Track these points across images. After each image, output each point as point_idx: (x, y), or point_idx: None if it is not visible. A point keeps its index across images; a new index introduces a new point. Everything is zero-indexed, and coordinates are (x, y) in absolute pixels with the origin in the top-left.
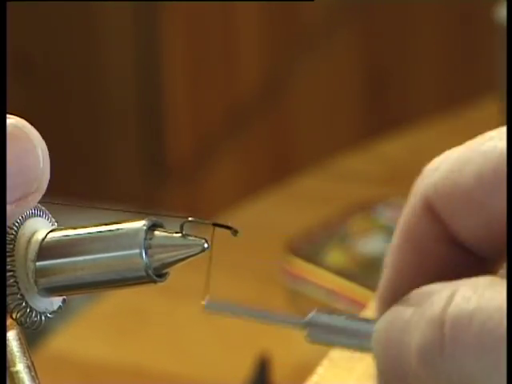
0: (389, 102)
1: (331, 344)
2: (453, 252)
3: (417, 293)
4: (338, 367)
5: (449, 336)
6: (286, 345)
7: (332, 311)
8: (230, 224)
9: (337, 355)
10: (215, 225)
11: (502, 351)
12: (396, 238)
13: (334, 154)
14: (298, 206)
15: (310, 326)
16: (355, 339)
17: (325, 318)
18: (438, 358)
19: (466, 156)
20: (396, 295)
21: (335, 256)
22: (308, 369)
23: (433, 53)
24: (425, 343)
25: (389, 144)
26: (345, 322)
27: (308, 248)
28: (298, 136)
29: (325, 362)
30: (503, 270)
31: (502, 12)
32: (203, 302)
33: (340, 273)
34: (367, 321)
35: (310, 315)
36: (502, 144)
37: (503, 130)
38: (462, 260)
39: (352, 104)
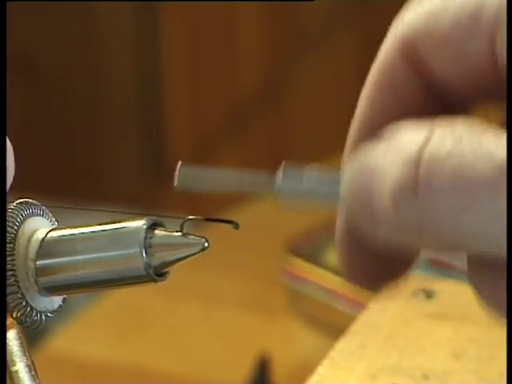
0: None
1: (303, 197)
2: (427, 95)
3: (392, 127)
4: (337, 367)
5: (424, 175)
6: (285, 345)
7: (300, 167)
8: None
9: (337, 355)
10: (216, 220)
11: (477, 194)
12: (372, 76)
13: (333, 154)
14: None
15: (282, 180)
16: (326, 187)
17: (295, 172)
18: (412, 198)
19: (444, 1)
20: (368, 135)
21: (335, 256)
22: (308, 369)
23: None
24: (399, 182)
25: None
26: (315, 172)
27: (308, 248)
28: (297, 136)
29: (325, 362)
30: None
31: None
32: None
33: (340, 273)
34: (336, 168)
35: (282, 172)
36: None
37: None
38: (435, 104)
39: (352, 104)
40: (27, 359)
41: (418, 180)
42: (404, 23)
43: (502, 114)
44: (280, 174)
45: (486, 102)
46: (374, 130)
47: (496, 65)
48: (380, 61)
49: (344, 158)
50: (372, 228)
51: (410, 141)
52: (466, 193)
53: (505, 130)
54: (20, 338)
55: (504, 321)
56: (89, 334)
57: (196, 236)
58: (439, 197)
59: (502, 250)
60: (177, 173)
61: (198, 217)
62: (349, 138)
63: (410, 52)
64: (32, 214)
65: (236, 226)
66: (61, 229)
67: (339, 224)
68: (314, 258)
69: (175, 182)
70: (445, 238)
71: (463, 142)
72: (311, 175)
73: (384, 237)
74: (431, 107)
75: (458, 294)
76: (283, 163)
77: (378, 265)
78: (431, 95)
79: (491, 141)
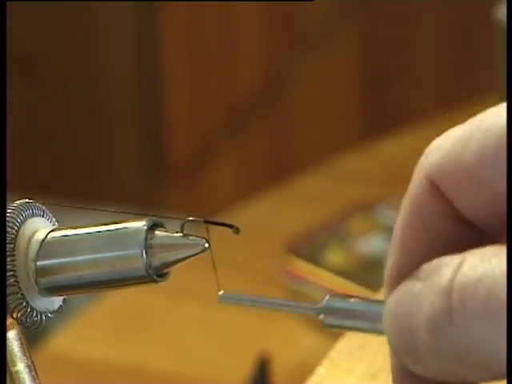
0: (389, 102)
1: (345, 328)
2: (458, 227)
3: (426, 266)
4: (338, 367)
5: (456, 304)
6: (286, 345)
7: (345, 296)
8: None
9: (337, 355)
10: (216, 223)
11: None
12: (402, 216)
13: (333, 154)
14: (298, 206)
15: (324, 311)
16: (368, 321)
17: (339, 303)
18: (447, 326)
19: (468, 134)
20: (405, 272)
21: (335, 256)
22: (308, 369)
23: (433, 53)
24: (433, 313)
25: (389, 144)
26: (358, 304)
27: (308, 248)
28: (297, 136)
29: (325, 362)
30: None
31: (502, 12)
32: (219, 293)
33: (340, 273)
34: (379, 301)
35: (325, 301)
36: (502, 120)
37: (503, 106)
38: (467, 235)
39: (352, 104)
40: (27, 359)
41: (452, 308)
42: (429, 162)
43: None
44: (323, 305)
45: None
46: (411, 265)
47: None
48: (410, 200)
49: (384, 293)
50: (415, 363)
51: (442, 273)
52: (502, 316)
53: None
54: (20, 338)
55: None
56: (89, 333)
57: (196, 237)
58: (474, 322)
59: None
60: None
61: (199, 219)
62: (386, 274)
63: (437, 191)
64: (32, 215)
65: (236, 230)
66: (61, 229)
67: (392, 357)
68: (313, 258)
69: (220, 299)
70: (484, 363)
71: (493, 265)
72: (354, 308)
73: (427, 372)
74: (464, 241)
75: None
76: (328, 296)
77: None
78: (460, 231)
79: None
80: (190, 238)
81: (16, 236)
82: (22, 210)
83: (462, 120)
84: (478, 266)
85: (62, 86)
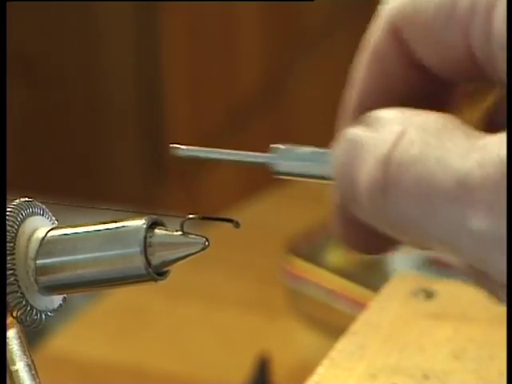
0: None
1: (295, 175)
2: (416, 74)
3: (374, 115)
4: (338, 367)
5: (391, 180)
6: (286, 345)
7: (294, 145)
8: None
9: (337, 355)
10: (216, 219)
11: (436, 204)
12: (363, 57)
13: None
14: (298, 206)
15: (274, 159)
16: (318, 166)
17: (291, 151)
18: (382, 198)
19: None
20: (357, 115)
21: (335, 256)
22: (308, 369)
23: None
24: (371, 182)
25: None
26: (308, 150)
27: (308, 248)
28: (297, 136)
29: (325, 362)
30: None
31: None
32: (176, 147)
33: (340, 273)
34: (328, 149)
35: (277, 150)
36: None
37: None
38: (424, 83)
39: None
40: (27, 358)
41: (386, 182)
42: (391, 6)
43: (489, 98)
44: (275, 151)
45: (469, 86)
46: (363, 110)
47: (473, 56)
48: (370, 41)
49: (336, 134)
50: (355, 211)
51: (384, 138)
52: (428, 201)
53: (476, 130)
54: (20, 337)
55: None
56: (89, 333)
57: (196, 235)
58: (405, 200)
59: (470, 260)
60: (178, 146)
61: (199, 216)
62: (341, 109)
63: (398, 35)
64: (32, 213)
65: (236, 224)
66: (61, 228)
67: (333, 194)
68: (314, 257)
69: (177, 151)
70: (413, 238)
71: (430, 146)
72: (304, 153)
73: (363, 218)
74: (420, 90)
75: (458, 294)
76: (278, 145)
77: (370, 235)
78: (419, 78)
79: (457, 148)
80: (190, 236)
81: (16, 235)
82: (21, 208)
83: (462, 121)
84: (416, 143)
85: (62, 86)
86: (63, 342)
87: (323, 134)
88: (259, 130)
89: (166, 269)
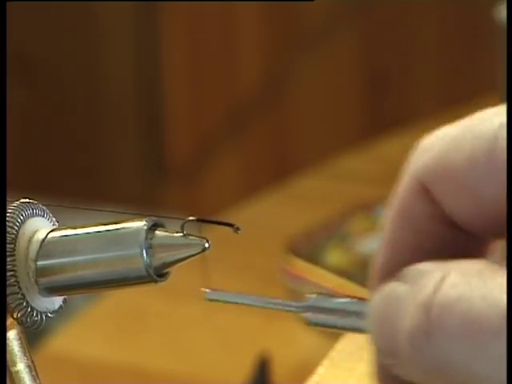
0: (389, 102)
1: (329, 326)
2: (447, 230)
3: (410, 270)
4: (338, 367)
5: (434, 322)
6: (286, 345)
7: (329, 295)
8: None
9: (337, 355)
10: (217, 223)
11: (484, 341)
12: (390, 216)
13: (333, 154)
14: (298, 206)
15: (308, 309)
16: (352, 319)
17: (323, 301)
18: (425, 343)
19: (459, 137)
20: (391, 273)
21: (335, 256)
22: (308, 369)
23: (433, 53)
24: (413, 327)
25: (389, 144)
26: (342, 302)
27: (308, 248)
28: (298, 136)
29: (325, 362)
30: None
31: (502, 12)
32: (204, 290)
33: (340, 273)
34: (364, 300)
35: (309, 299)
36: (496, 125)
37: (497, 108)
38: (456, 238)
39: (352, 104)
40: (27, 360)
41: (430, 326)
42: (418, 163)
43: None
44: (307, 302)
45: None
46: (397, 266)
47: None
48: (399, 200)
49: (370, 292)
50: (396, 366)
51: (424, 284)
52: (475, 339)
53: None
54: (20, 338)
55: None
56: (89, 333)
57: (197, 237)
58: (451, 340)
59: None
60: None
61: (199, 218)
62: (373, 273)
63: (426, 194)
64: (33, 215)
65: (236, 229)
66: (61, 229)
67: (372, 352)
68: (314, 257)
69: (206, 295)
70: (457, 381)
71: (473, 285)
72: (337, 304)
73: (407, 376)
74: (451, 245)
75: None
76: (313, 294)
77: None
78: (450, 233)
79: (500, 286)
80: (191, 237)
81: (16, 236)
82: (22, 209)
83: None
84: (458, 285)
85: (62, 86)
86: (63, 342)
87: (323, 134)
88: (259, 130)
89: (166, 270)
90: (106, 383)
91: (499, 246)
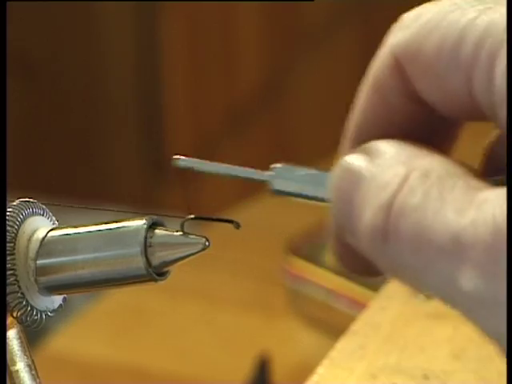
0: None
1: (294, 195)
2: (417, 108)
3: (375, 146)
4: (338, 367)
5: (392, 225)
6: (286, 345)
7: (293, 165)
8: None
9: (337, 355)
10: (217, 220)
11: (430, 256)
12: (365, 87)
13: (333, 154)
14: (298, 206)
15: (275, 178)
16: (316, 189)
17: (289, 171)
18: (382, 245)
19: (434, 21)
20: (360, 140)
21: (335, 261)
22: (308, 369)
23: None
24: (372, 225)
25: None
26: (308, 173)
27: (308, 248)
28: (298, 136)
29: (325, 362)
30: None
31: None
32: (176, 158)
33: (340, 273)
34: (327, 171)
35: (275, 169)
36: (468, 16)
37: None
38: (426, 118)
39: (352, 104)
40: (27, 359)
41: (387, 229)
42: (395, 40)
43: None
44: (274, 169)
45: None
46: (364, 138)
47: (474, 99)
48: (373, 72)
49: (339, 154)
50: (352, 242)
51: (387, 181)
52: (424, 253)
53: (480, 181)
54: (20, 337)
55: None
56: (89, 333)
57: (196, 235)
58: (404, 249)
59: (465, 316)
60: (179, 157)
61: (199, 216)
62: (343, 137)
63: (400, 69)
64: (32, 214)
65: (237, 225)
66: (61, 228)
67: (331, 217)
68: (314, 258)
69: (176, 162)
70: (411, 285)
71: (430, 196)
72: (302, 174)
73: (358, 247)
74: (420, 123)
75: None
76: (278, 164)
77: (366, 260)
78: (419, 112)
79: (455, 202)
80: (190, 236)
81: (16, 235)
82: (22, 208)
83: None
84: (417, 191)
85: (62, 86)
86: (63, 341)
87: (323, 134)
88: (259, 130)
89: (166, 269)
90: (105, 383)
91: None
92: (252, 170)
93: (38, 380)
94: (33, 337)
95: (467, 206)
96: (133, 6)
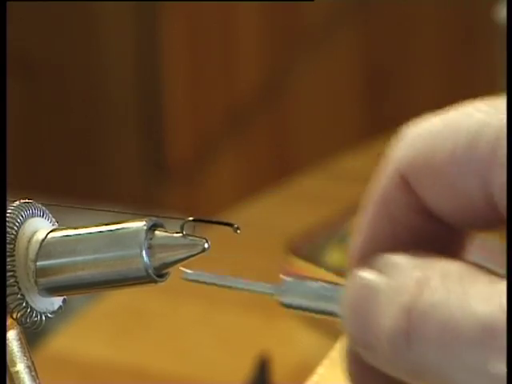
0: (389, 102)
1: (305, 310)
2: (425, 222)
3: (386, 260)
4: (338, 367)
5: (415, 327)
6: (286, 345)
7: (305, 278)
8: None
9: (337, 355)
10: (217, 223)
11: (459, 350)
12: (370, 202)
13: (334, 153)
14: (298, 206)
15: (285, 292)
16: (327, 304)
17: (299, 284)
18: (405, 346)
19: (441, 131)
20: (367, 260)
21: (335, 256)
22: (308, 369)
23: (433, 53)
24: (393, 329)
25: (389, 144)
26: (318, 286)
27: (308, 248)
28: (298, 136)
29: (325, 362)
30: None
31: (502, 12)
32: (184, 270)
33: (340, 273)
34: (340, 285)
35: (285, 282)
36: (473, 120)
37: (479, 103)
38: (434, 230)
39: (352, 104)
40: (27, 360)
41: (410, 331)
42: (399, 155)
43: None
44: (281, 286)
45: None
46: (373, 252)
47: (491, 202)
48: (378, 188)
49: (347, 274)
50: (369, 357)
51: (404, 285)
52: (452, 347)
53: (502, 277)
54: (20, 338)
55: None
56: (89, 333)
57: (196, 237)
58: (430, 347)
59: None
60: (186, 270)
61: (199, 218)
62: (349, 256)
63: (405, 185)
64: (32, 215)
65: (236, 229)
66: (61, 229)
67: (344, 336)
68: (313, 258)
69: (185, 275)
70: (436, 382)
71: (453, 292)
72: (312, 289)
73: (379, 366)
74: (429, 236)
75: None
76: (288, 277)
77: (382, 378)
78: (428, 224)
79: (480, 294)
80: (190, 238)
81: (16, 236)
82: (21, 210)
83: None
84: (438, 290)
85: (62, 86)
86: (63, 342)
87: (323, 134)
88: (259, 130)
89: (166, 270)
90: (105, 383)
91: (476, 240)
92: (260, 284)
93: (38, 381)
94: (33, 337)
95: (492, 296)
96: (133, 6)
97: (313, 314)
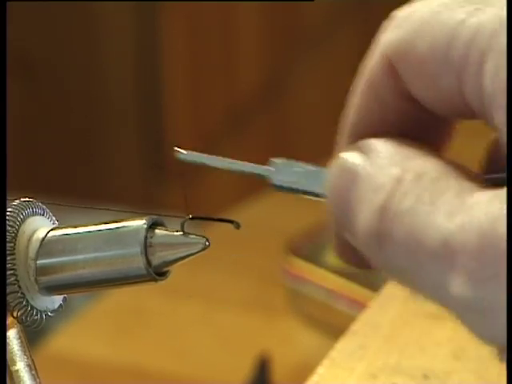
0: None
1: (294, 191)
2: (411, 107)
3: (370, 144)
4: (338, 367)
5: (385, 229)
6: (286, 345)
7: (293, 161)
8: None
9: (337, 355)
10: (217, 220)
11: (422, 260)
12: (359, 84)
13: (333, 154)
14: (298, 206)
15: (276, 174)
16: (313, 183)
17: (290, 166)
18: (377, 248)
19: (426, 21)
20: (355, 136)
21: (335, 256)
22: (308, 369)
23: None
24: (368, 230)
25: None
26: (305, 168)
27: (308, 248)
28: (297, 136)
29: (325, 362)
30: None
31: None
32: (177, 150)
33: (340, 273)
34: (325, 168)
35: (276, 163)
36: (460, 17)
37: (465, 1)
38: (419, 116)
39: (347, 101)
40: (27, 358)
41: (381, 231)
42: (387, 39)
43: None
44: (273, 164)
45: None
46: (359, 135)
47: (466, 100)
48: (366, 70)
49: (336, 150)
50: (349, 238)
51: (381, 183)
52: (416, 256)
53: (472, 178)
54: (20, 337)
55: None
56: (89, 333)
57: (196, 235)
58: (397, 252)
59: (455, 313)
60: (180, 150)
61: (199, 216)
62: (339, 132)
63: (392, 68)
64: (32, 214)
65: (237, 225)
66: (61, 228)
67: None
68: (314, 258)
69: (177, 155)
70: (406, 286)
71: (422, 199)
72: (301, 169)
73: (355, 245)
74: (413, 121)
75: None
76: (277, 159)
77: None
78: (412, 110)
79: (446, 205)
80: (190, 236)
81: (16, 235)
82: (22, 208)
83: (462, 121)
84: (409, 193)
85: (62, 86)
86: (63, 341)
87: (323, 134)
88: (259, 130)
89: (166, 269)
90: (105, 383)
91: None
92: (251, 165)
93: (37, 380)
94: (33, 336)
95: (457, 210)
96: (133, 6)
97: (301, 195)
